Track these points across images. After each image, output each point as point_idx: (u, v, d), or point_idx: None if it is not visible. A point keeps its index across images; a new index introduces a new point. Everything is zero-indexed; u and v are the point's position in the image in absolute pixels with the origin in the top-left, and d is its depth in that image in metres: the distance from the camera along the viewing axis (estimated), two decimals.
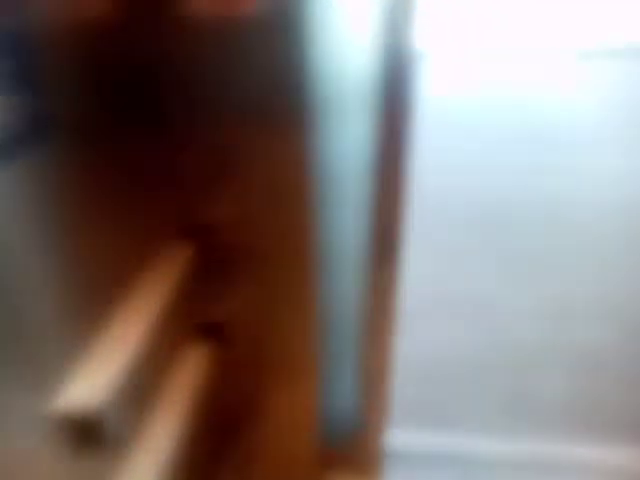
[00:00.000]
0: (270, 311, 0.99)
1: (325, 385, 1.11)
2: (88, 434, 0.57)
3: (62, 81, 0.57)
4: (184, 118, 0.81)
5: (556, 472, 1.41)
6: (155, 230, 0.84)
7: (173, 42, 0.76)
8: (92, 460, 0.62)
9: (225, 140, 0.83)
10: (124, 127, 0.72)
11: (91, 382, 0.58)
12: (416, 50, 0.74)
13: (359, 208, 0.85)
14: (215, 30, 0.75)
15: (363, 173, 0.83)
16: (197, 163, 0.85)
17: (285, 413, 1.13)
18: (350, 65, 0.77)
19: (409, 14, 0.72)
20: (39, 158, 0.53)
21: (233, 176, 0.86)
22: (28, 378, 0.53)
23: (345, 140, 0.81)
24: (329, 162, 0.85)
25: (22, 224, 0.52)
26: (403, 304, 1.02)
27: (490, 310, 2.04)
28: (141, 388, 0.71)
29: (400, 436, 1.44)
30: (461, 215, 2.68)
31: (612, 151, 3.30)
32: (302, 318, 1.01)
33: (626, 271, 2.23)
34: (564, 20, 5.75)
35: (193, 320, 0.97)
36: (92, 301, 0.63)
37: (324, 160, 0.86)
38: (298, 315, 1.00)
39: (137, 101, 0.76)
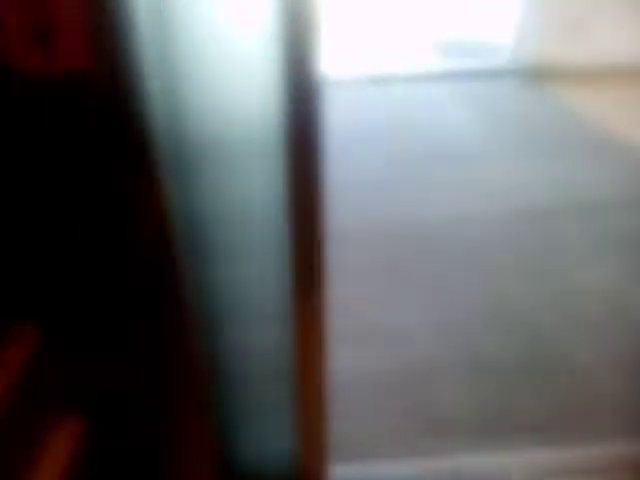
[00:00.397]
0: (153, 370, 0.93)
1: (257, 429, 1.05)
2: None
3: None
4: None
5: None
6: None
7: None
8: None
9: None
10: None
11: None
12: (320, 78, 0.72)
13: (275, 245, 0.81)
14: (47, 86, 0.71)
15: (276, 210, 0.79)
16: None
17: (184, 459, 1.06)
18: (250, 103, 0.73)
19: (312, 43, 0.70)
20: None
21: None
22: None
23: (253, 179, 0.77)
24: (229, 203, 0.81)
25: None
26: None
27: (391, 330, 2.06)
28: None
29: None
30: (359, 235, 2.70)
31: (496, 165, 3.52)
32: (189, 371, 0.95)
33: (518, 281, 2.36)
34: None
35: (60, 396, 0.88)
36: None
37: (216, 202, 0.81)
38: (183, 368, 0.94)
39: None
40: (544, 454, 1.52)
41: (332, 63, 5.46)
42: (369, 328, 2.06)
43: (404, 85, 5.23)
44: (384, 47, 6.24)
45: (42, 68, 0.70)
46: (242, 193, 0.81)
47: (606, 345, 1.93)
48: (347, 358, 1.88)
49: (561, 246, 2.56)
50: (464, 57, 5.76)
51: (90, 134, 0.73)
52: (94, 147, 0.73)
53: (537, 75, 5.00)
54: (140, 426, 1.00)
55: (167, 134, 0.78)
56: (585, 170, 3.30)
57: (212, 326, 0.93)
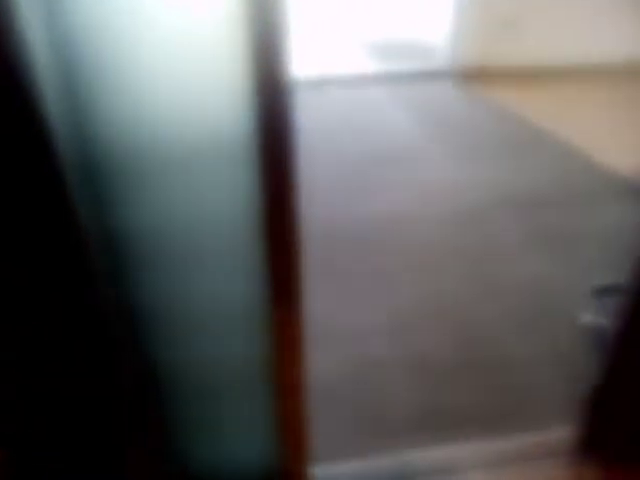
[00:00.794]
0: None
1: (237, 436, 1.02)
2: None
3: None
4: None
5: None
6: None
7: None
8: None
9: None
10: None
11: None
12: (291, 77, 0.70)
13: (246, 254, 0.78)
14: None
15: (248, 220, 0.76)
16: None
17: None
18: (216, 108, 0.70)
19: (281, 47, 0.67)
20: None
21: None
22: None
23: (220, 186, 0.74)
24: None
25: None
26: None
27: (329, 331, 2.05)
28: None
29: None
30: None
31: (433, 166, 3.60)
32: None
33: (456, 279, 2.41)
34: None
35: None
36: None
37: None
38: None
39: None
40: (485, 445, 1.56)
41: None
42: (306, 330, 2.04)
43: (342, 88, 5.28)
44: (322, 51, 6.28)
45: None
46: (209, 201, 0.77)
47: (540, 340, 2.01)
48: None
49: (498, 245, 2.64)
50: (401, 59, 5.88)
51: None
52: None
53: (473, 76, 5.17)
54: (90, 443, 0.94)
55: (113, 141, 0.73)
56: (520, 169, 3.44)
57: (181, 337, 0.90)
